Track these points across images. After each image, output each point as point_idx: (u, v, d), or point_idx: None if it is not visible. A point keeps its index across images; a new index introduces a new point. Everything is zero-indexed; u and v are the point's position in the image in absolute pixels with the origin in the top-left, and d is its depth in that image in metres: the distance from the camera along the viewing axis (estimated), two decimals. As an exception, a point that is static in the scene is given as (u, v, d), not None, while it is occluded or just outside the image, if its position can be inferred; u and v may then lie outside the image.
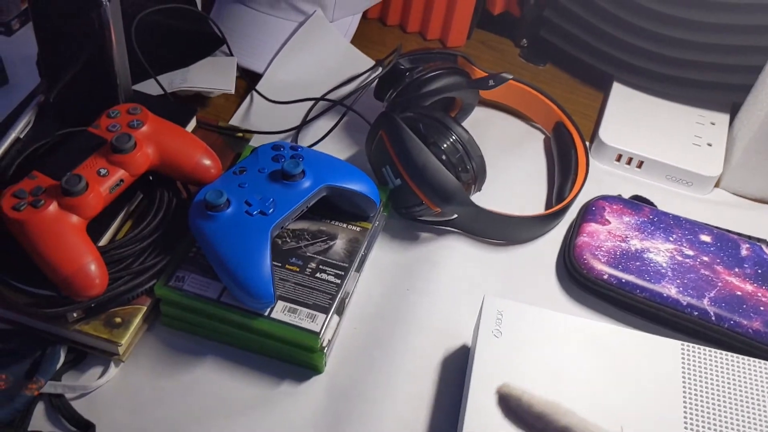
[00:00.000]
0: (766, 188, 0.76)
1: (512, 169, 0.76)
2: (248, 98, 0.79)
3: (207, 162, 0.63)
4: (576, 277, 0.66)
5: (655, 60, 0.80)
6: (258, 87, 0.79)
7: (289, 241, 0.63)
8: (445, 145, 0.66)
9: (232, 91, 0.76)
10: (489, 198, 0.72)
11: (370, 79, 0.73)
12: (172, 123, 0.63)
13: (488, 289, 0.66)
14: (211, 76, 0.76)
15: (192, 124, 0.72)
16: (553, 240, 0.71)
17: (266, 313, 0.58)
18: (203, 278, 0.60)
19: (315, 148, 0.74)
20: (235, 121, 0.77)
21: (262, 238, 0.58)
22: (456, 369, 0.61)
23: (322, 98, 0.77)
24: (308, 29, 0.81)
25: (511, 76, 0.70)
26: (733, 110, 0.80)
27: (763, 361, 0.56)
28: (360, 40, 0.87)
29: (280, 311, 0.58)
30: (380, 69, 0.84)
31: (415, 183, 0.64)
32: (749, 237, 0.71)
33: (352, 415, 0.57)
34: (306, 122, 0.75)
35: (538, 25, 0.87)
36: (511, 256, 0.69)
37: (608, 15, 0.79)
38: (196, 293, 0.59)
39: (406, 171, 0.64)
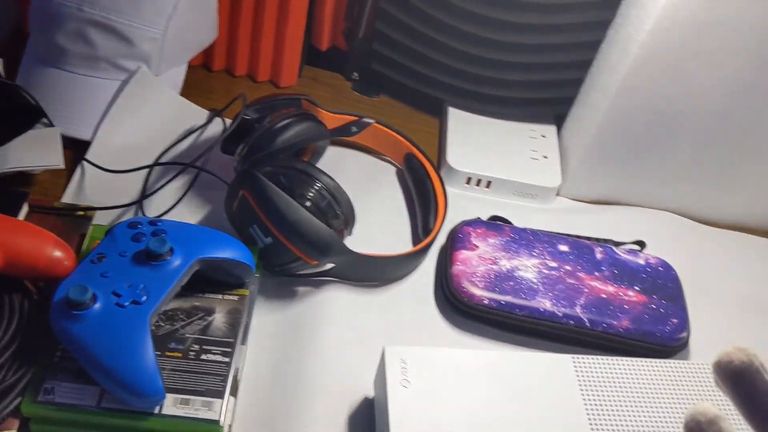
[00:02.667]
0: (599, 191, 0.82)
1: (372, 206, 0.76)
2: (79, 170, 0.72)
3: (58, 254, 0.56)
4: (456, 306, 0.68)
5: (481, 82, 0.83)
6: (88, 156, 0.72)
7: (163, 325, 0.58)
8: (311, 194, 0.65)
9: (62, 166, 0.68)
10: (357, 239, 0.71)
11: (218, 136, 0.70)
12: (8, 217, 0.55)
13: (376, 334, 0.65)
14: (34, 152, 0.68)
15: (24, 210, 0.64)
16: (424, 271, 0.72)
17: (156, 411, 0.53)
18: (76, 385, 0.53)
19: (168, 216, 0.69)
20: (68, 197, 0.70)
21: (140, 329, 0.53)
22: (362, 424, 0.59)
23: (161, 163, 0.72)
24: (134, 87, 0.75)
25: (373, 120, 0.70)
26: (558, 121, 0.86)
27: (644, 360, 0.60)
28: (187, 89, 0.82)
29: (171, 405, 0.53)
30: (219, 120, 0.80)
31: (289, 239, 0.62)
32: (598, 240, 0.76)
33: (269, 499, 0.54)
34: (155, 191, 0.70)
35: (368, 58, 0.87)
36: (390, 296, 0.69)
37: (434, 43, 0.81)
38: (71, 404, 0.52)
39: (278, 228, 0.62)
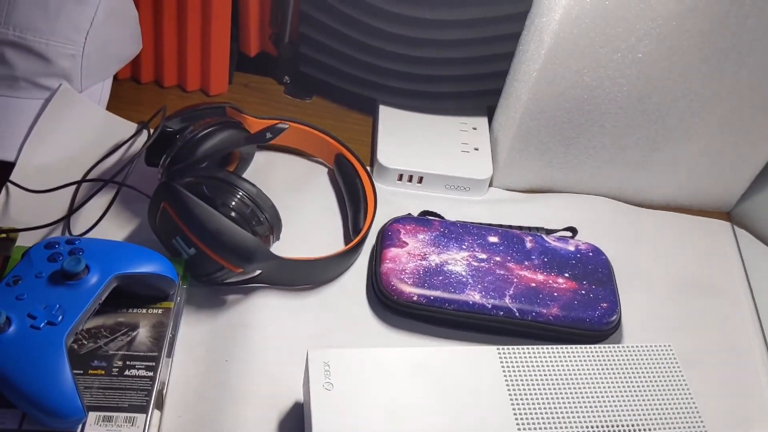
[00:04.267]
0: (531, 180, 0.82)
1: (303, 209, 0.76)
2: (3, 192, 0.71)
3: (-29, 279, 0.56)
4: (387, 304, 0.68)
5: (411, 80, 0.84)
6: (12, 177, 0.72)
7: (86, 343, 0.58)
8: (233, 203, 0.65)
9: (-16, 189, 0.68)
10: (286, 244, 0.71)
11: (140, 150, 0.69)
12: None
13: (307, 337, 0.66)
14: (-47, 176, 0.68)
15: (-58, 236, 0.64)
16: (356, 270, 0.72)
17: (78, 430, 0.53)
18: (-4, 409, 0.53)
19: (92, 234, 0.68)
20: (-7, 220, 0.69)
21: (56, 350, 0.53)
22: (293, 429, 0.59)
23: (86, 180, 0.72)
24: (57, 105, 0.75)
25: (287, 125, 0.70)
26: (489, 113, 0.87)
27: (567, 347, 0.61)
28: (116, 104, 0.82)
29: (93, 424, 0.53)
30: (145, 133, 0.79)
31: (212, 249, 0.62)
32: (529, 228, 0.77)
33: None
34: (75, 209, 0.69)
35: (297, 61, 0.87)
36: (322, 298, 0.69)
37: (358, 43, 0.82)
38: (-10, 429, 0.52)
39: (200, 239, 0.62)
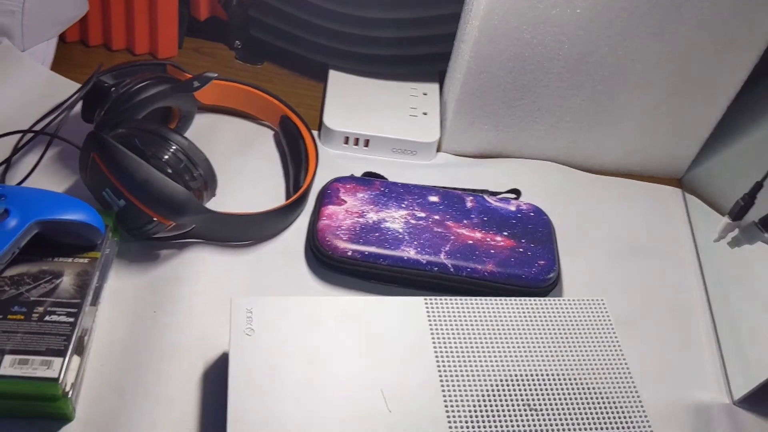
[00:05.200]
0: (479, 145, 0.82)
1: (246, 169, 0.76)
2: (-62, 147, 0.71)
3: None
4: (323, 260, 0.67)
5: (361, 43, 0.83)
6: (-53, 133, 0.71)
7: (7, 289, 0.57)
8: (166, 157, 0.64)
9: None
10: (227, 202, 0.70)
11: (71, 101, 0.69)
12: None
13: (240, 291, 0.65)
14: None
15: None
16: (298, 230, 0.71)
17: (-9, 373, 0.52)
18: None
19: (25, 185, 0.68)
20: (-75, 174, 0.69)
21: (-32, 291, 0.52)
22: (220, 380, 0.59)
23: (17, 132, 0.71)
24: (-4, 61, 0.74)
25: (215, 75, 0.69)
26: (441, 79, 0.86)
27: (495, 299, 0.60)
28: (62, 65, 0.82)
29: (8, 366, 0.53)
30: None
31: (140, 200, 0.61)
32: (473, 190, 0.76)
33: (113, 455, 0.53)
34: (4, 162, 0.69)
35: (248, 26, 0.87)
36: (259, 255, 0.69)
37: (311, 6, 0.81)
38: None
39: (128, 189, 0.61)
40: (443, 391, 0.54)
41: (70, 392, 0.54)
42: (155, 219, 0.62)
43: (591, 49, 0.72)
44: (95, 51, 0.87)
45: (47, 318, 0.56)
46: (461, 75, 0.76)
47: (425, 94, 0.85)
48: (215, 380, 0.59)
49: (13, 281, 0.58)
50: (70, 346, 0.54)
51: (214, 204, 0.68)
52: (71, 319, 0.56)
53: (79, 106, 0.72)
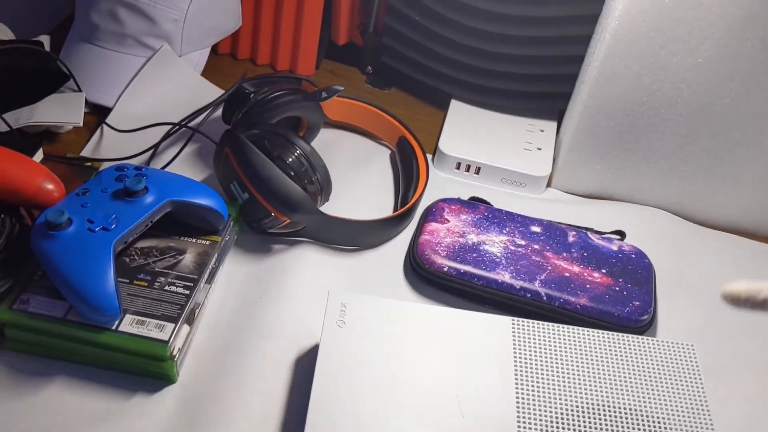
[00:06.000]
0: (589, 184, 0.83)
1: (360, 181, 0.81)
2: (98, 131, 0.80)
3: (49, 186, 0.63)
4: (420, 273, 0.71)
5: (486, 76, 0.87)
6: (108, 120, 0.81)
7: (137, 258, 0.64)
8: (290, 159, 0.70)
9: (80, 124, 0.77)
10: (339, 207, 0.75)
11: (216, 102, 0.76)
12: (7, 149, 0.63)
13: (339, 289, 0.69)
14: (58, 110, 0.77)
15: (38, 157, 0.73)
16: (400, 243, 0.75)
17: (114, 327, 0.59)
18: (49, 299, 0.60)
19: (165, 172, 0.76)
20: (86, 153, 0.78)
21: (104, 252, 0.59)
22: (308, 367, 0.63)
23: (163, 123, 0.79)
24: (156, 63, 0.84)
25: (341, 88, 0.75)
26: (560, 118, 0.88)
27: (582, 329, 0.61)
28: (211, 73, 0.90)
29: (128, 324, 0.59)
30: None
31: (262, 195, 0.67)
32: (577, 227, 0.77)
33: (205, 419, 0.58)
34: (152, 148, 0.77)
35: (380, 52, 0.93)
36: (361, 260, 0.73)
37: (441, 38, 0.86)
38: (41, 314, 0.59)
39: (252, 184, 0.67)
40: (518, 407, 0.56)
41: (177, 356, 0.60)
42: (272, 214, 0.68)
43: (711, 100, 0.72)
44: (242, 64, 0.95)
45: (167, 288, 0.62)
46: (578, 113, 0.78)
47: (542, 131, 0.88)
48: (305, 367, 0.63)
49: (143, 252, 0.65)
50: (183, 315, 0.60)
51: (327, 208, 0.73)
52: (187, 292, 0.62)
53: (221, 109, 0.80)
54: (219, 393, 0.60)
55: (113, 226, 0.60)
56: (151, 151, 0.78)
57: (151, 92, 0.84)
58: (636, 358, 0.60)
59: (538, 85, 0.87)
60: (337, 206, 0.75)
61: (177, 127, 0.78)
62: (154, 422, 0.58)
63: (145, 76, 0.83)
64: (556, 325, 0.61)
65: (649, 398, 0.57)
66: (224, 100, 0.77)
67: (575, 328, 0.61)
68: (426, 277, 0.70)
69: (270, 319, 0.66)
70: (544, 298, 0.68)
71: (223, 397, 0.60)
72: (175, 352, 0.59)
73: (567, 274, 0.70)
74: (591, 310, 0.67)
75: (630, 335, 0.61)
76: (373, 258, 0.73)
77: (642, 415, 0.56)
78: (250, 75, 0.85)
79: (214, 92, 0.88)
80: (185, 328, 0.61)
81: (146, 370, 0.60)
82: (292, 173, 0.69)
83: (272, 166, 0.67)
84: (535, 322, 0.61)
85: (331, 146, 0.84)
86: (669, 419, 0.56)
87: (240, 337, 0.64)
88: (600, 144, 0.79)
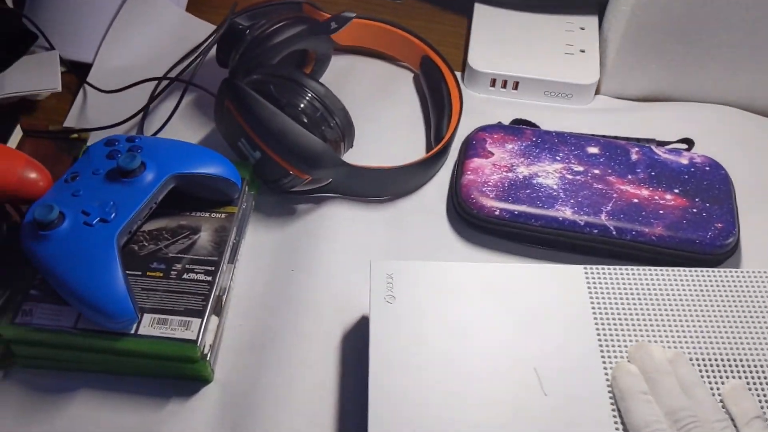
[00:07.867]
0: (645, 86, 0.73)
1: (384, 117, 0.71)
2: (80, 93, 0.70)
3: (32, 175, 0.55)
4: (468, 219, 0.62)
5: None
6: (89, 78, 0.71)
7: (146, 244, 0.56)
8: (302, 105, 0.60)
9: (59, 88, 0.67)
10: (365, 153, 0.66)
11: (205, 46, 0.66)
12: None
13: (378, 250, 0.61)
14: (32, 76, 0.67)
15: (17, 135, 0.64)
16: (439, 184, 0.66)
17: (132, 331, 0.51)
18: (55, 306, 0.52)
19: (164, 133, 0.66)
20: (70, 121, 0.68)
21: (107, 249, 0.51)
22: (359, 345, 0.55)
23: (153, 79, 0.68)
24: (132, 4, 0.73)
25: (353, 15, 0.64)
26: (600, 11, 0.77)
27: (663, 268, 0.53)
28: (197, 6, 0.79)
29: (148, 325, 0.52)
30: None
31: (277, 153, 0.58)
32: (638, 140, 0.67)
33: (251, 419, 0.51)
34: (142, 110, 0.67)
35: (387, -43, 0.80)
36: (398, 211, 0.64)
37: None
38: (48, 325, 0.51)
39: (264, 141, 0.58)
40: (606, 373, 0.48)
41: (209, 354, 0.52)
42: (292, 173, 0.59)
43: (792, -26, 0.60)
44: (230, -10, 0.83)
45: (185, 276, 0.54)
46: (628, 6, 0.66)
47: (582, 29, 0.76)
48: (354, 344, 0.55)
49: (152, 236, 0.56)
50: (209, 306, 0.53)
51: (351, 156, 0.64)
52: (209, 278, 0.54)
53: (213, 50, 0.69)
54: (261, 389, 0.53)
55: (112, 215, 0.52)
56: (140, 114, 0.68)
57: (132, 39, 0.73)
58: (732, 296, 0.52)
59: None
60: (362, 151, 0.66)
61: (167, 82, 0.68)
62: (194, 429, 0.51)
63: (123, 21, 0.72)
64: (634, 268, 0.53)
65: (748, 342, 0.50)
66: (215, 41, 0.66)
67: (657, 269, 0.53)
68: (474, 224, 0.62)
69: (306, 294, 0.58)
70: (614, 233, 0.59)
71: (268, 393, 0.53)
72: (206, 351, 0.52)
73: (636, 201, 0.61)
74: (669, 240, 0.59)
75: (718, 270, 0.53)
76: (411, 206, 0.64)
77: (744, 363, 0.49)
78: (241, 4, 0.74)
79: (202, 28, 0.77)
80: (213, 320, 0.54)
81: (177, 373, 0.53)
82: (306, 121, 0.59)
83: (283, 117, 0.57)
84: (611, 267, 0.53)
85: (344, 78, 0.74)
86: (780, 367, 0.49)
87: (276, 321, 0.56)
88: (655, 39, 0.68)
